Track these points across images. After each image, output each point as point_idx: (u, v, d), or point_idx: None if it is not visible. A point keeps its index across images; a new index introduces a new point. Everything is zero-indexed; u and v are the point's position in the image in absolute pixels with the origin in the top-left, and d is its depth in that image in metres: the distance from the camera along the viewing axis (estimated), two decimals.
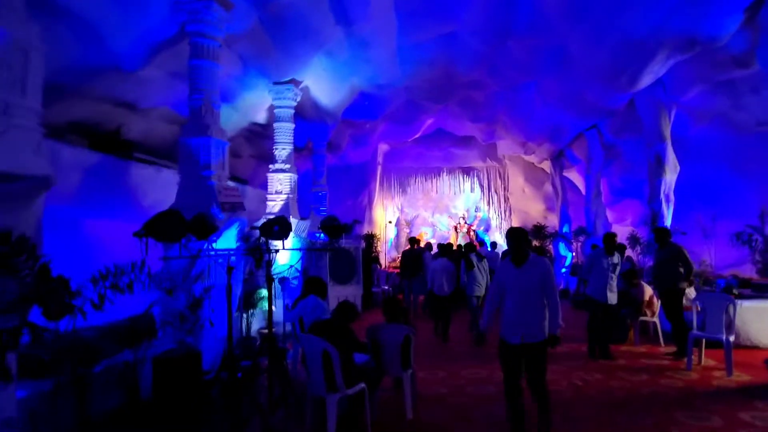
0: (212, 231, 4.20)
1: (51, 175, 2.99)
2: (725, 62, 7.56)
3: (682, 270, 6.17)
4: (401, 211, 18.79)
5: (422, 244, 13.20)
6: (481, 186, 18.23)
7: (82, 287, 2.89)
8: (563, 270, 14.50)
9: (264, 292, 7.67)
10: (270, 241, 5.03)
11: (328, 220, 4.82)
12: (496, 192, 18.18)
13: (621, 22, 7.26)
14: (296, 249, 7.29)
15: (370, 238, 15.75)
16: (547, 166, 16.75)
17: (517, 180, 17.74)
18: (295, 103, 8.79)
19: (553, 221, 16.43)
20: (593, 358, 6.28)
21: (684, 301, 6.41)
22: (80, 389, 3.67)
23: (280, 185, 8.53)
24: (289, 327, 7.41)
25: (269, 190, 8.66)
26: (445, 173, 18.23)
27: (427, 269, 9.06)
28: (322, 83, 9.52)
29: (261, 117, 9.76)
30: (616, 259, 6.13)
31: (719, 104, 8.81)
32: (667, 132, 8.84)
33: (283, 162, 8.65)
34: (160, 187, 6.29)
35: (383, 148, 17.39)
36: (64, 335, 3.07)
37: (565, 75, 9.47)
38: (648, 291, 7.37)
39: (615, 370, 5.81)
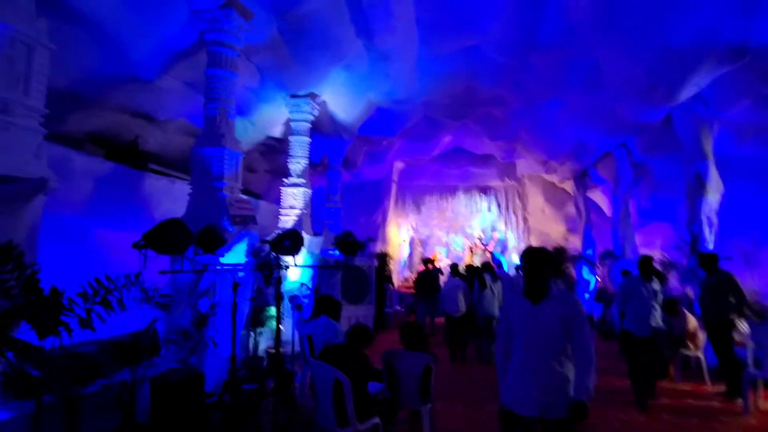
0: (220, 244, 3.96)
1: (48, 178, 2.78)
2: None
3: (731, 300, 5.61)
4: (415, 230, 18.45)
5: (437, 265, 12.83)
6: (499, 206, 17.84)
7: (74, 302, 2.65)
8: (586, 295, 13.91)
9: (273, 311, 7.38)
10: (281, 256, 4.77)
11: (343, 235, 4.55)
12: (514, 212, 17.75)
13: (660, 31, 6.88)
14: (308, 266, 6.99)
15: (383, 257, 15.42)
16: (568, 186, 16.31)
17: (536, 200, 17.30)
18: (312, 117, 8.64)
19: (574, 243, 15.89)
20: (643, 409, 5.22)
21: (734, 335, 5.89)
22: (71, 410, 3.40)
23: (294, 200, 8.33)
24: (298, 347, 7.09)
25: (282, 204, 8.45)
26: (461, 192, 17.90)
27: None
28: (340, 98, 9.39)
29: (277, 131, 9.64)
30: (656, 285, 5.33)
31: (764, 120, 8.26)
32: (709, 149, 8.26)
33: (297, 176, 8.46)
34: (172, 200, 6.11)
35: (398, 165, 17.19)
36: (57, 351, 2.83)
37: (594, 89, 9.13)
38: (692, 321, 6.80)
39: (659, 411, 5.27)
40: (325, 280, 9.03)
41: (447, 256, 18.01)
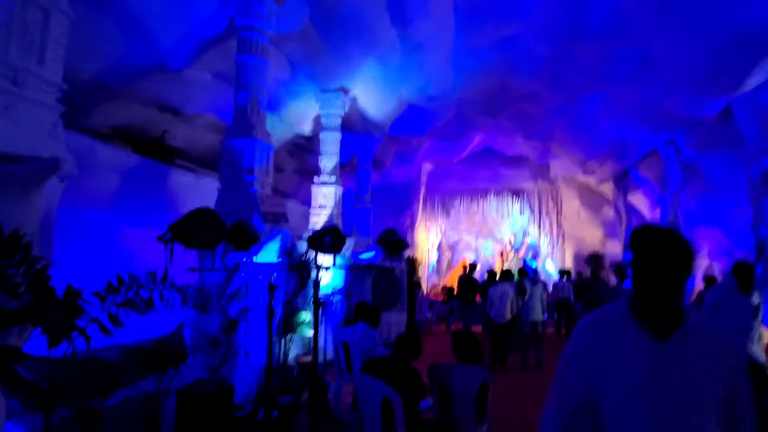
0: (253, 241, 3.56)
1: (62, 158, 2.40)
2: None
3: None
4: (444, 234, 17.87)
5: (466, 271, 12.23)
6: (531, 209, 17.11)
7: (89, 303, 2.27)
8: None
9: (305, 316, 6.97)
10: (318, 255, 4.36)
11: (386, 233, 4.10)
12: (547, 216, 17.00)
13: (729, 11, 6.27)
14: (346, 265, 6.55)
15: (412, 262, 14.91)
16: (605, 188, 15.53)
17: (571, 203, 16.53)
18: (342, 113, 8.26)
19: (612, 249, 15.07)
20: None
21: None
22: (89, 425, 3.03)
23: (324, 199, 7.93)
24: (331, 355, 6.67)
25: (313, 204, 8.07)
26: (492, 195, 17.25)
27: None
28: (371, 93, 8.98)
29: (306, 128, 9.30)
30: (756, 299, 4.14)
31: None
32: None
33: (328, 174, 8.08)
34: (199, 195, 5.76)
35: (427, 167, 16.69)
36: (72, 358, 2.45)
37: (643, 81, 8.50)
38: None
39: None
40: (357, 284, 8.58)
41: (477, 262, 17.37)
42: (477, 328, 10.57)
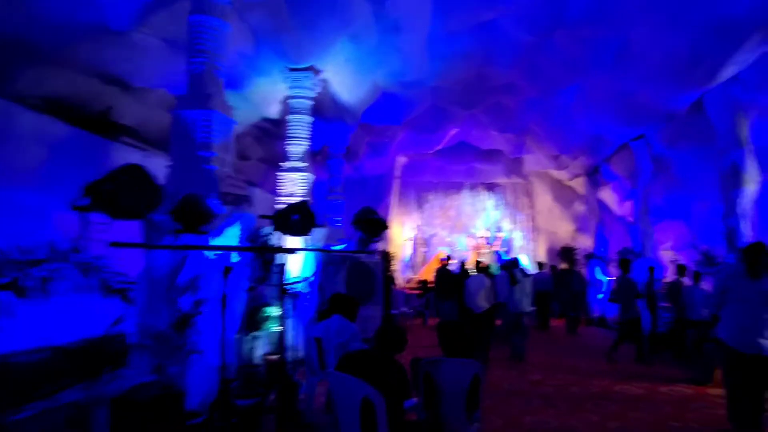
0: (205, 220, 3.01)
1: None
2: None
3: None
4: (418, 229, 17.52)
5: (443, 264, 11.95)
6: (505, 204, 16.99)
7: None
8: (600, 296, 13.09)
9: (271, 311, 6.42)
10: (283, 239, 3.83)
11: (363, 212, 3.62)
12: (521, 210, 16.91)
13: (707, 3, 6.14)
14: (318, 249, 6.04)
15: (387, 256, 14.47)
16: (576, 183, 15.52)
17: (544, 198, 16.48)
18: (313, 94, 7.71)
19: (583, 243, 15.08)
20: None
21: None
22: None
23: (294, 186, 7.37)
24: (302, 352, 6.16)
25: (280, 192, 7.49)
26: (466, 189, 17.03)
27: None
28: (344, 75, 8.47)
29: (274, 111, 8.69)
30: (766, 284, 3.72)
31: None
32: (745, 136, 7.61)
33: (297, 159, 7.51)
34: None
35: (401, 160, 16.28)
36: None
37: (621, 72, 8.33)
38: None
39: None
40: (330, 276, 8.07)
41: (451, 257, 17.11)
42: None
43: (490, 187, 17.03)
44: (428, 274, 14.48)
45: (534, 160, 15.02)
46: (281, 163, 7.62)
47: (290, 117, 7.63)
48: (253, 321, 6.06)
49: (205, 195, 4.11)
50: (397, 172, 16.33)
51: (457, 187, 17.04)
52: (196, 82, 4.40)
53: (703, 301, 7.05)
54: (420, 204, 17.15)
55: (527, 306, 7.75)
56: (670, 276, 9.60)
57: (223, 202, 4.34)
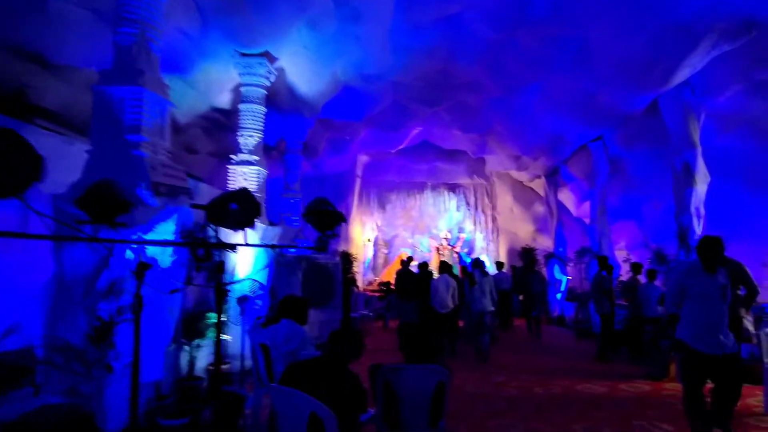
0: (121, 210, 2.50)
1: None
2: None
3: (739, 292, 4.69)
4: (379, 229, 17.19)
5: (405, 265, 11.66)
6: (467, 204, 16.94)
7: None
8: (558, 295, 13.21)
9: (215, 317, 5.86)
10: (229, 236, 3.36)
11: (315, 203, 3.19)
12: (482, 211, 16.92)
13: (665, 3, 6.15)
14: (259, 246, 5.55)
15: (347, 257, 14.05)
16: (536, 185, 15.68)
17: (505, 199, 16.56)
18: (268, 83, 7.20)
19: (543, 244, 15.22)
20: None
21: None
22: None
23: (245, 181, 6.82)
24: (250, 362, 5.63)
25: (230, 186, 6.93)
26: (428, 189, 16.86)
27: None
28: (302, 65, 8.00)
29: (224, 101, 8.09)
30: (722, 278, 3.54)
31: (753, 109, 7.87)
32: (697, 138, 7.81)
33: (249, 152, 6.97)
34: (71, 166, 4.48)
35: (363, 159, 15.92)
36: None
37: (580, 72, 8.33)
38: None
39: None
40: (284, 278, 7.58)
41: (413, 258, 16.87)
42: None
43: (453, 188, 16.94)
44: (390, 275, 14.18)
45: (496, 161, 15.03)
46: (231, 156, 7.06)
47: (242, 106, 7.09)
48: (193, 329, 5.48)
49: (131, 184, 3.57)
50: (359, 171, 15.96)
51: (420, 188, 16.85)
52: (124, 55, 3.84)
53: (657, 299, 7.14)
54: (382, 204, 16.83)
55: (489, 306, 7.74)
56: (624, 275, 9.71)
57: (155, 193, 3.80)
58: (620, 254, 11.29)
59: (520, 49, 8.51)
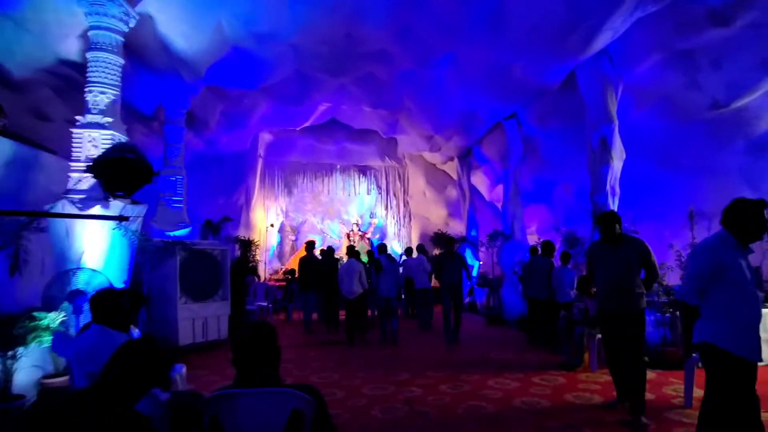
0: None
1: None
2: (698, 19, 6.35)
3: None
4: (286, 215, 16.00)
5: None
6: (379, 188, 16.35)
7: None
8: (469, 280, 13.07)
9: (49, 318, 4.53)
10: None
11: (111, 149, 2.19)
12: (394, 195, 16.44)
13: None
14: (146, 240, 4.36)
15: (247, 245, 12.77)
16: (449, 167, 15.51)
17: (417, 183, 16.22)
18: (125, 28, 5.79)
19: (456, 228, 15.10)
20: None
21: None
22: None
23: (95, 149, 5.41)
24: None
25: (75, 156, 5.49)
26: (338, 172, 15.99)
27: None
28: (175, 14, 6.66)
29: (72, 50, 6.50)
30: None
31: (670, 82, 7.69)
32: (614, 111, 7.47)
33: (100, 113, 5.57)
34: None
35: (266, 138, 14.59)
36: None
37: (495, 40, 7.85)
38: None
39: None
40: (154, 268, 6.32)
41: (323, 245, 15.97)
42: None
43: (364, 170, 16.24)
44: (296, 263, 13.20)
45: (408, 141, 14.54)
46: (77, 117, 5.60)
47: (90, 55, 5.63)
48: (7, 334, 4.13)
49: None
50: (261, 151, 14.61)
51: (328, 170, 15.92)
52: None
53: (571, 283, 6.91)
54: (288, 188, 15.65)
55: (392, 291, 7.70)
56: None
57: None
58: (531, 238, 11.31)
59: (431, 13, 7.87)
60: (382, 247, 8.74)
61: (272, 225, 14.60)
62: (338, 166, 15.86)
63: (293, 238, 15.73)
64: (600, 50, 7.38)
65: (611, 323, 3.94)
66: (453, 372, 5.43)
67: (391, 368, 5.72)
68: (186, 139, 10.93)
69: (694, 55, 7.10)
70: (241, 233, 13.18)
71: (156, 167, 8.97)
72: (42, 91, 7.52)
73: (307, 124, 13.68)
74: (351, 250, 7.98)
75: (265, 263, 14.09)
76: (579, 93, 7.94)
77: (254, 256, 12.98)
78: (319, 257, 9.35)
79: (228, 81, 9.56)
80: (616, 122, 7.40)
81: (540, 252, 7.72)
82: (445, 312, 7.52)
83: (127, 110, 9.18)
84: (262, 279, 13.07)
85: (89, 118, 5.51)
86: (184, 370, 3.78)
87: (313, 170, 15.67)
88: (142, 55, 7.33)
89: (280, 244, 15.72)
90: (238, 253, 12.46)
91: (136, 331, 3.27)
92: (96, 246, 5.08)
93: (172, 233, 7.76)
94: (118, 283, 5.25)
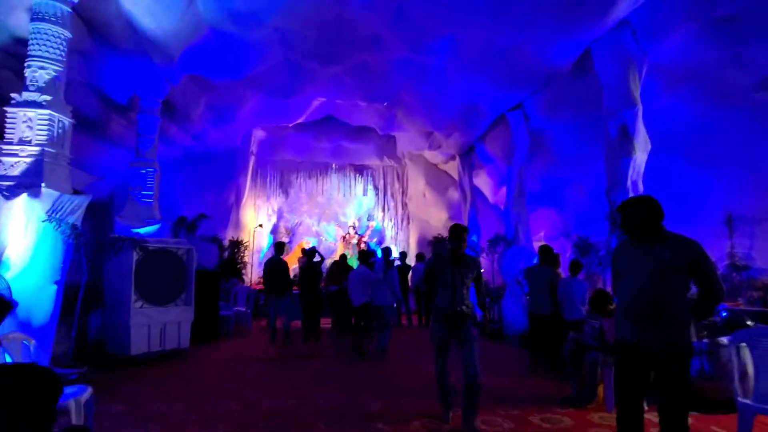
0: None
1: None
2: None
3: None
4: (280, 216, 15.34)
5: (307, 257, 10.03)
6: (376, 189, 15.61)
7: None
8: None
9: None
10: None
11: None
12: (393, 197, 15.69)
13: None
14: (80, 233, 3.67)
15: (236, 246, 12.14)
16: (450, 168, 14.76)
17: (417, 183, 15.45)
18: (73, 1, 5.18)
19: None
20: None
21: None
22: None
23: (30, 130, 4.78)
24: None
25: (8, 138, 4.85)
26: (334, 171, 15.28)
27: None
28: None
29: (23, 25, 5.90)
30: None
31: (707, 58, 6.38)
32: (637, 95, 6.39)
33: (39, 90, 4.94)
34: None
35: (258, 134, 13.96)
36: None
37: (497, 17, 7.02)
38: None
39: None
40: (103, 267, 5.66)
41: (319, 248, 15.26)
42: (297, 323, 8.42)
43: (360, 170, 15.51)
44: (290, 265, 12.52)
45: (407, 139, 13.81)
46: (13, 95, 4.97)
47: (32, 26, 5.01)
48: None
49: None
50: (253, 148, 13.98)
51: (324, 168, 15.21)
52: None
53: (582, 298, 5.82)
54: (283, 187, 15.00)
55: (387, 300, 6.96)
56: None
57: None
58: (538, 245, 10.42)
59: None
60: (387, 251, 8.29)
61: (261, 225, 13.92)
62: (334, 165, 15.18)
63: (288, 240, 15.05)
64: (620, 20, 6.40)
65: (631, 361, 2.65)
66: (434, 401, 4.26)
67: (363, 393, 4.86)
68: (171, 134, 10.37)
69: (738, 23, 5.82)
70: (230, 233, 12.55)
71: (128, 159, 8.39)
72: (2, 73, 6.98)
73: (300, 120, 13.03)
74: (363, 256, 7.37)
75: (256, 265, 13.41)
76: (595, 75, 6.93)
77: (243, 258, 12.33)
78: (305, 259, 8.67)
79: (210, 69, 8.93)
80: (640, 107, 6.34)
81: (537, 260, 6.70)
82: None
83: (101, 99, 8.61)
84: (250, 283, 12.39)
85: (25, 95, 4.88)
86: (86, 393, 3.07)
87: (307, 169, 15.00)
88: (107, 35, 6.72)
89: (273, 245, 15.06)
90: (227, 255, 11.84)
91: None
92: (21, 240, 4.41)
93: (137, 230, 7.11)
94: (49, 284, 4.58)
